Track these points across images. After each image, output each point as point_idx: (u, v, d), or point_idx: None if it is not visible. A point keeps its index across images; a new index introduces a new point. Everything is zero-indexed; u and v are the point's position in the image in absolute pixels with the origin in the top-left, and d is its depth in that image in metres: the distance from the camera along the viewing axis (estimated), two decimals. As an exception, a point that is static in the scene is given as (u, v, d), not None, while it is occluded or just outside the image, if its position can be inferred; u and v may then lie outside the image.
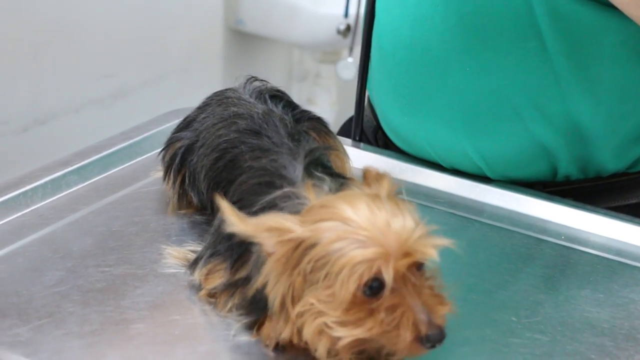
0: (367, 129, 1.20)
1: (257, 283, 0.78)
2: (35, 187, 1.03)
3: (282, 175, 0.85)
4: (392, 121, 1.14)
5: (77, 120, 2.19)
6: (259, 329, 0.82)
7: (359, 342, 0.75)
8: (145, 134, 1.15)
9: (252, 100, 0.97)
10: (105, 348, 0.81)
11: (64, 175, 1.05)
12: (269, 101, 0.97)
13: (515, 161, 1.07)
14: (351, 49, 2.39)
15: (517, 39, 1.00)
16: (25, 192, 1.02)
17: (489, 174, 1.09)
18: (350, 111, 1.22)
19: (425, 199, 1.08)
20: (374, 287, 0.73)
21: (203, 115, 0.99)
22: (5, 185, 1.02)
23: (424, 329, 0.73)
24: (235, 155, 0.90)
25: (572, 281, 0.94)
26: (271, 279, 0.77)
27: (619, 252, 1.00)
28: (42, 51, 2.09)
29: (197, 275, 0.87)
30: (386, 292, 0.73)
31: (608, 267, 0.97)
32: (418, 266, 0.75)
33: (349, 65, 2.38)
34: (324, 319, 0.74)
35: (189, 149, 0.98)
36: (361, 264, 0.72)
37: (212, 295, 0.86)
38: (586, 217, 1.04)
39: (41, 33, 2.09)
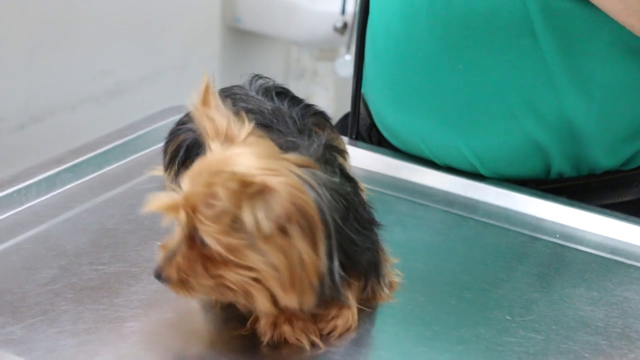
0: (361, 127, 1.20)
1: None
2: (30, 185, 1.03)
3: None
4: (385, 119, 1.14)
5: (73, 118, 2.18)
6: (253, 323, 0.82)
7: None
8: (140, 132, 1.15)
9: (259, 97, 0.97)
10: (98, 346, 0.81)
11: (59, 173, 1.05)
12: (275, 98, 0.97)
13: (508, 158, 1.07)
14: (349, 46, 2.39)
15: (510, 36, 1.00)
16: (20, 189, 1.02)
17: (482, 171, 1.09)
18: (348, 108, 1.22)
19: (421, 197, 1.08)
20: None
21: None
22: (-1, 183, 1.02)
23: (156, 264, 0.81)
24: None
25: (567, 279, 0.94)
26: None
27: (613, 251, 1.00)
28: (39, 48, 2.09)
29: None
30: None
31: (602, 266, 0.97)
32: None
33: (347, 63, 2.37)
34: None
35: (194, 142, 0.97)
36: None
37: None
38: (581, 215, 1.04)
39: (37, 30, 2.09)
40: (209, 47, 2.52)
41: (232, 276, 0.78)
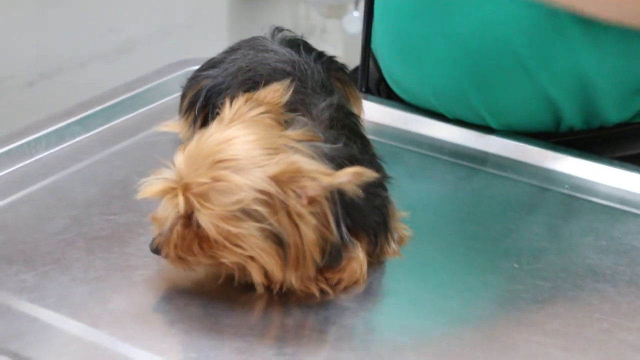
0: (370, 81, 1.20)
1: None
2: (39, 137, 1.03)
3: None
4: (395, 73, 1.14)
5: (82, 75, 2.18)
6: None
7: None
8: (149, 85, 1.15)
9: (282, 48, 0.97)
10: (110, 293, 0.82)
11: (68, 126, 1.06)
12: (300, 49, 0.97)
13: (520, 112, 1.07)
14: (357, 3, 2.37)
15: None
16: (29, 142, 1.02)
17: (492, 124, 1.08)
18: (356, 65, 1.21)
19: (430, 149, 1.08)
20: None
21: (232, 57, 0.98)
22: (9, 135, 1.03)
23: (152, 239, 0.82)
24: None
25: (575, 229, 0.95)
26: None
27: (622, 201, 1.00)
28: (47, 5, 2.09)
29: None
30: None
31: (611, 215, 0.97)
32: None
33: (355, 19, 2.36)
34: None
35: (214, 89, 0.97)
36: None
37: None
38: (590, 166, 1.04)
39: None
40: (217, 4, 2.51)
41: (229, 257, 0.79)
